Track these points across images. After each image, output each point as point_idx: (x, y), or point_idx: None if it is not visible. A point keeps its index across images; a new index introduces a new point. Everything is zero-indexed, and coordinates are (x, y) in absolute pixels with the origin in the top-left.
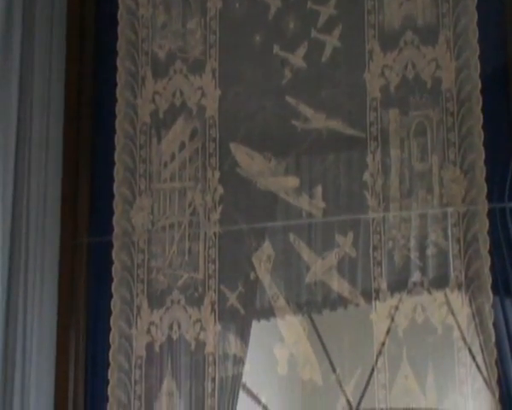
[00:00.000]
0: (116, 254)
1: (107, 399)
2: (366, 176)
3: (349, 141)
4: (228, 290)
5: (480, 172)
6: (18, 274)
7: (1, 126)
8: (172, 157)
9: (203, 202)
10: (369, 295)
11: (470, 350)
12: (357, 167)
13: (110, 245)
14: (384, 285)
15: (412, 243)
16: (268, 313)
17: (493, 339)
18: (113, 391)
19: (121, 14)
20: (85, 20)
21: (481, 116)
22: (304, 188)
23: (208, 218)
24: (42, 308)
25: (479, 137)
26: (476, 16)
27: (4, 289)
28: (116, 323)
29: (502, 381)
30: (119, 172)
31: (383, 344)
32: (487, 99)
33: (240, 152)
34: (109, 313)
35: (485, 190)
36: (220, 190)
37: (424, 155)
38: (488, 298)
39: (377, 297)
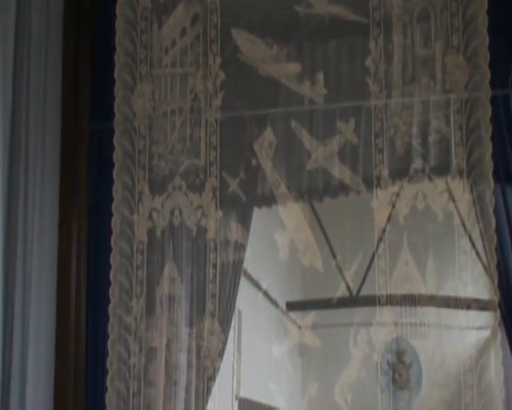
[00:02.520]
0: (117, 141)
1: (109, 283)
2: (368, 62)
3: (352, 27)
4: (229, 177)
5: (484, 58)
6: (19, 162)
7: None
8: (173, 43)
9: (204, 89)
10: (371, 182)
11: (470, 237)
12: (360, 54)
13: (111, 132)
14: (385, 172)
15: (414, 130)
16: (269, 199)
17: (493, 226)
18: (116, 276)
19: None
20: None
21: (486, 1)
22: (306, 74)
23: (209, 104)
24: (43, 196)
25: (483, 22)
26: None
27: (5, 178)
28: (118, 209)
29: (501, 267)
30: (119, 58)
31: (384, 231)
32: None
33: (241, 38)
34: (111, 199)
35: (489, 76)
36: (221, 76)
37: (427, 40)
38: (489, 185)
39: (378, 184)
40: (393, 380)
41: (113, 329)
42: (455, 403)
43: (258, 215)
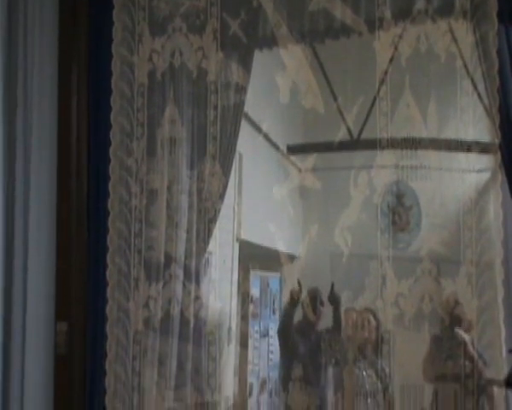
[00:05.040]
0: None
1: (110, 126)
2: None
3: None
4: (230, 18)
5: None
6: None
7: None
8: None
9: None
10: (373, 23)
11: (472, 79)
12: None
13: None
14: (388, 13)
15: None
16: (270, 41)
17: (496, 67)
18: (116, 118)
19: None
20: None
21: None
22: None
23: None
24: (42, 37)
25: None
26: None
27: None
28: (117, 50)
29: (503, 109)
30: None
31: (386, 73)
32: None
33: None
34: (111, 41)
35: None
36: None
37: None
38: (493, 26)
39: (381, 26)
40: (393, 222)
41: (114, 171)
42: (454, 244)
43: (260, 58)
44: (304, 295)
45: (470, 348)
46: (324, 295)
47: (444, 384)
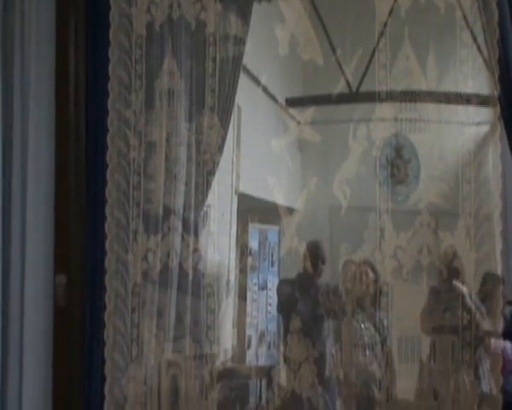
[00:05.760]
0: None
1: (108, 78)
2: None
3: None
4: None
5: None
6: None
7: None
8: None
9: None
10: None
11: (472, 30)
12: None
13: None
14: None
15: None
16: None
17: (496, 18)
18: (114, 70)
19: None
20: None
21: None
22: None
23: None
24: None
25: None
26: None
27: None
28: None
29: (502, 60)
30: None
31: (385, 25)
32: None
33: None
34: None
35: None
36: None
37: None
38: None
39: None
40: (392, 175)
41: (112, 123)
42: (452, 197)
43: (258, 10)
44: (303, 247)
45: (468, 299)
46: (326, 251)
47: (441, 336)
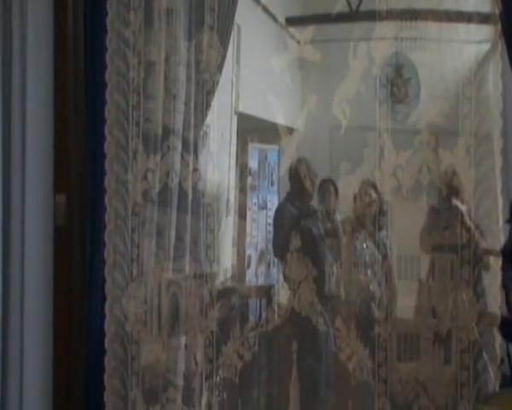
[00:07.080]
0: None
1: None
2: None
3: None
4: None
5: None
6: None
7: None
8: None
9: None
10: None
11: None
12: None
13: None
14: None
15: None
16: None
17: None
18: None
19: None
20: None
21: None
22: None
23: None
24: None
25: None
26: None
27: None
28: None
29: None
30: None
31: None
32: None
33: None
34: None
35: None
36: None
37: None
38: None
39: None
40: (392, 94)
41: (111, 42)
42: (452, 115)
43: None
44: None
45: (467, 218)
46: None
47: (440, 254)
